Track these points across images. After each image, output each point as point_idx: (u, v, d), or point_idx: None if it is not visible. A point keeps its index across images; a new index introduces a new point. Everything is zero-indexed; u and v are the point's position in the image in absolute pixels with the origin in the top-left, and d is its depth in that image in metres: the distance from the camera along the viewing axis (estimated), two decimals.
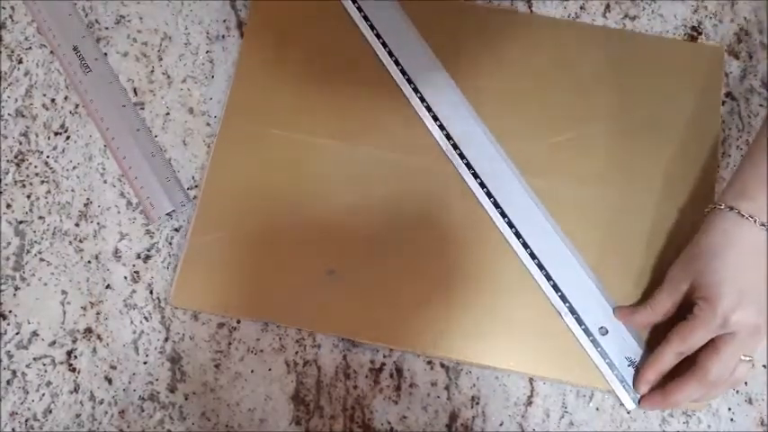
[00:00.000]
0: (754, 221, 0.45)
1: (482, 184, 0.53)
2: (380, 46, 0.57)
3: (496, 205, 0.53)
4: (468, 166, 0.54)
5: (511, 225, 0.52)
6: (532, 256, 0.51)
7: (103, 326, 0.52)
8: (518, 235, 0.52)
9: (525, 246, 0.52)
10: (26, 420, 0.50)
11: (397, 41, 0.57)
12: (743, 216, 0.46)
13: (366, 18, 0.57)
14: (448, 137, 0.54)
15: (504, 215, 0.52)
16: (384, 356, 0.51)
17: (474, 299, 0.51)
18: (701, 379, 0.46)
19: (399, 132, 0.55)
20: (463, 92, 0.56)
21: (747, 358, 0.46)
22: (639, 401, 0.48)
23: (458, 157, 0.54)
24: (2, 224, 0.54)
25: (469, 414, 0.50)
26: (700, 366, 0.46)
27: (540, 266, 0.51)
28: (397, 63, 0.56)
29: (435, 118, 0.55)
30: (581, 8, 0.59)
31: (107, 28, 0.59)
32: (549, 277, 0.51)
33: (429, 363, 0.51)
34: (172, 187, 0.54)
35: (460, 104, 0.55)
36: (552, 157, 0.54)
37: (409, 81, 0.56)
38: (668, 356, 0.47)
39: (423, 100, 0.55)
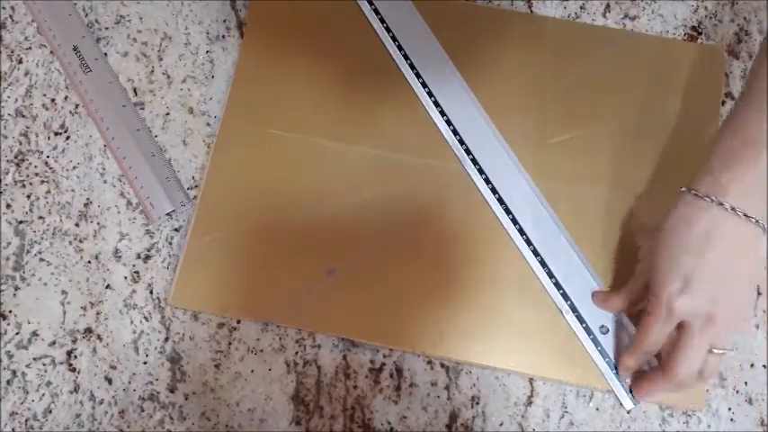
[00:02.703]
0: (711, 201, 0.43)
1: (487, 180, 0.53)
2: (391, 41, 0.57)
3: (501, 201, 0.53)
4: (474, 162, 0.54)
5: (515, 222, 0.52)
6: (535, 253, 0.51)
7: (103, 326, 0.52)
8: (522, 232, 0.52)
9: (528, 243, 0.52)
10: (26, 420, 0.50)
11: (407, 37, 0.57)
12: (699, 196, 0.44)
13: (377, 11, 0.57)
14: (455, 132, 0.54)
15: (508, 212, 0.52)
16: (384, 356, 0.51)
17: (474, 299, 0.51)
18: (671, 378, 0.45)
19: (400, 132, 0.55)
20: None
21: (719, 351, 0.44)
22: (631, 388, 0.48)
23: (464, 152, 0.54)
24: (2, 224, 0.54)
25: (469, 414, 0.50)
26: (665, 364, 0.45)
27: (543, 264, 0.51)
28: (406, 57, 0.56)
29: (443, 113, 0.55)
30: (581, 8, 0.59)
31: (107, 28, 0.59)
32: (551, 275, 0.51)
33: (429, 363, 0.51)
34: (172, 187, 0.54)
35: (469, 101, 0.55)
36: (552, 157, 0.54)
37: (418, 75, 0.56)
38: (638, 356, 0.47)
39: (431, 95, 0.55)
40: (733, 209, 0.43)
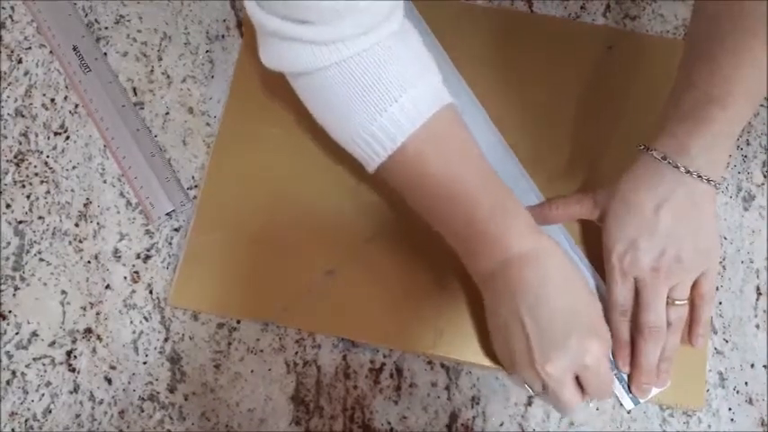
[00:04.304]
0: (668, 163, 0.45)
1: None
2: None
3: None
4: None
5: None
6: None
7: (103, 326, 0.52)
8: None
9: None
10: (26, 420, 0.50)
11: None
12: (657, 158, 0.45)
13: None
14: None
15: None
16: (384, 356, 0.51)
17: (474, 298, 0.51)
18: (647, 336, 0.47)
19: None
20: None
21: (681, 302, 0.47)
22: (630, 389, 0.49)
23: None
24: (1, 224, 0.54)
25: (470, 414, 0.50)
26: (637, 323, 0.47)
27: None
28: None
29: None
30: (581, 8, 0.59)
31: (107, 28, 0.59)
32: None
33: (429, 363, 0.51)
34: (171, 187, 0.54)
35: (469, 101, 0.55)
36: (552, 155, 0.54)
37: None
38: (615, 315, 0.48)
39: None
40: (689, 171, 0.45)
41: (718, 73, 0.43)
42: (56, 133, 0.56)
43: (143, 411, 0.50)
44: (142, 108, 0.57)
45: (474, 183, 0.45)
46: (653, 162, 0.46)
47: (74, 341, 0.51)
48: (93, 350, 0.51)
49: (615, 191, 0.47)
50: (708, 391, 0.50)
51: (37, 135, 0.56)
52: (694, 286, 0.48)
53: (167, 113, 0.57)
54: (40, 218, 0.54)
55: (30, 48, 0.58)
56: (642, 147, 0.47)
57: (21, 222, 0.54)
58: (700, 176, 0.45)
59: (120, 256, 0.53)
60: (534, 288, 0.43)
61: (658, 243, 0.46)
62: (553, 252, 0.44)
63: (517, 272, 0.43)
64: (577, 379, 0.44)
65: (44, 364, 0.51)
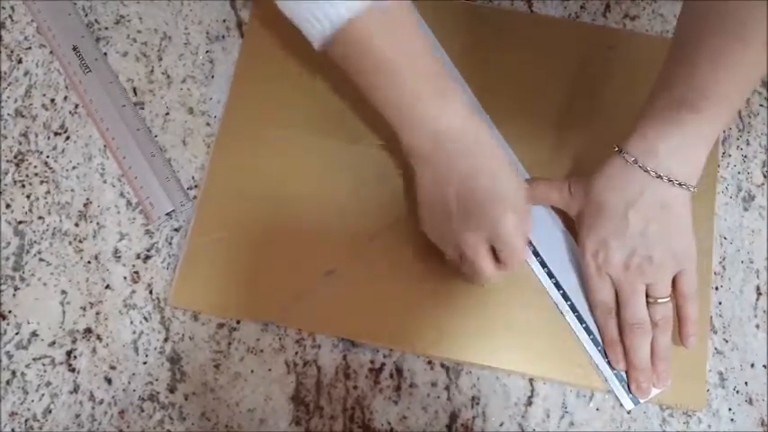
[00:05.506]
0: (639, 167, 0.45)
1: None
2: None
3: None
4: None
5: None
6: (535, 253, 0.51)
7: (103, 326, 0.52)
8: None
9: (528, 243, 0.51)
10: (26, 420, 0.50)
11: None
12: (628, 162, 0.45)
13: None
14: None
15: None
16: (384, 356, 0.51)
17: (474, 299, 0.51)
18: (629, 332, 0.48)
19: None
20: None
21: (663, 300, 0.47)
22: (630, 389, 0.49)
23: None
24: (1, 224, 0.54)
25: (470, 414, 0.50)
26: (621, 322, 0.48)
27: (543, 264, 0.51)
28: None
29: None
30: (581, 8, 0.59)
31: (107, 28, 0.59)
32: (551, 275, 0.51)
33: (429, 363, 0.51)
34: (171, 187, 0.54)
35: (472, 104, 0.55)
36: (551, 156, 0.54)
37: None
38: (597, 311, 0.49)
39: None
40: (659, 176, 0.45)
41: (696, 75, 0.43)
42: (56, 133, 0.56)
43: (143, 411, 0.50)
44: (142, 108, 0.57)
45: (414, 60, 0.44)
46: (623, 163, 0.46)
47: (74, 341, 0.51)
48: (93, 350, 0.51)
49: (588, 190, 0.48)
50: (708, 391, 0.50)
51: (37, 135, 0.56)
52: (675, 286, 0.48)
53: (167, 113, 0.57)
54: (40, 218, 0.54)
55: (30, 48, 0.58)
56: (616, 148, 0.47)
57: (21, 222, 0.54)
58: (670, 180, 0.45)
59: (120, 256, 0.53)
60: (462, 162, 0.44)
61: (628, 243, 0.46)
62: (483, 132, 0.45)
63: (447, 146, 0.44)
64: (493, 251, 0.45)
65: (44, 364, 0.51)
